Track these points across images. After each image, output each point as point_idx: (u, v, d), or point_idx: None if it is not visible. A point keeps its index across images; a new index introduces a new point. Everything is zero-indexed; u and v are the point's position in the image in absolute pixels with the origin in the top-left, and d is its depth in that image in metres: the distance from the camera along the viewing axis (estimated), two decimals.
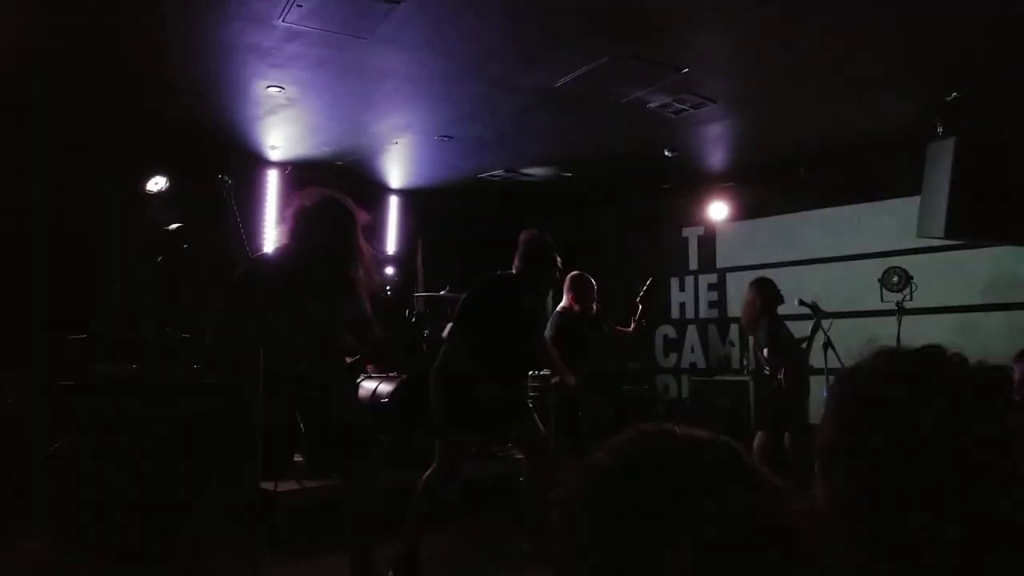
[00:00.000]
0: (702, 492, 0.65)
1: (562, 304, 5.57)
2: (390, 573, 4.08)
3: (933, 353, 1.00)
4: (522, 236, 4.48)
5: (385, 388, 6.04)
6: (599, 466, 0.71)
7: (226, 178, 2.96)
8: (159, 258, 5.37)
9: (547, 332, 5.37)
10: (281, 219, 3.37)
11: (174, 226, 5.45)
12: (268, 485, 4.63)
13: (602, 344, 5.54)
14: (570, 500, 0.71)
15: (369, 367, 6.17)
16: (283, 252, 3.35)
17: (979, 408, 0.93)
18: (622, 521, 0.66)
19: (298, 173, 7.91)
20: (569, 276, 5.59)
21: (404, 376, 6.07)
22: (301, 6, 4.43)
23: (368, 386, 6.20)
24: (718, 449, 0.70)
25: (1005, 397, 0.94)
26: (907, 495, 0.92)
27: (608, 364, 5.46)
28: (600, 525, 0.67)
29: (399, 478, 4.88)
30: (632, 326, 5.38)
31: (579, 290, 5.50)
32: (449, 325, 4.29)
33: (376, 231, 8.72)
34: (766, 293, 6.31)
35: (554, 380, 5.05)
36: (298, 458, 4.28)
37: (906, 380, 0.97)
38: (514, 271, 4.45)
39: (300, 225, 3.28)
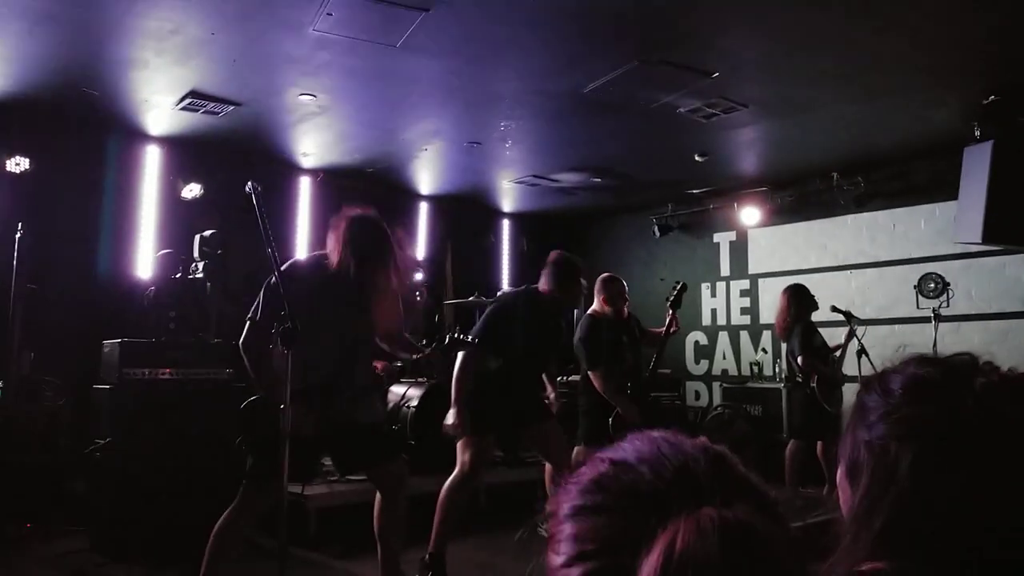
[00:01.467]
0: (677, 499, 0.66)
1: (593, 307, 5.51)
2: None
3: (963, 361, 0.98)
4: (552, 257, 4.65)
5: (413, 393, 6.07)
6: (593, 468, 0.73)
7: (255, 184, 2.99)
8: (193, 264, 5.44)
9: (577, 335, 5.35)
10: (330, 230, 3.48)
11: (208, 232, 5.51)
12: (296, 488, 4.68)
13: (634, 348, 5.50)
14: (564, 502, 0.73)
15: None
16: (323, 260, 3.43)
17: (1007, 415, 0.91)
18: (600, 522, 0.68)
19: (330, 180, 8.00)
20: (600, 279, 5.53)
21: (432, 380, 6.09)
22: (332, 15, 4.49)
23: (396, 391, 6.23)
24: (707, 458, 0.71)
25: None
26: (931, 502, 0.91)
27: (640, 368, 5.41)
28: (583, 524, 0.69)
29: (424, 483, 4.90)
30: (663, 332, 5.35)
31: (610, 293, 5.44)
32: (474, 333, 4.35)
33: (407, 238, 8.78)
34: (800, 300, 6.24)
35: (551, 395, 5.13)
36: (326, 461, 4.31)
37: (933, 387, 0.96)
38: (541, 288, 4.58)
39: (344, 236, 3.37)
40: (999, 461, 0.89)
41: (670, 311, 5.33)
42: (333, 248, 3.41)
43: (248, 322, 3.31)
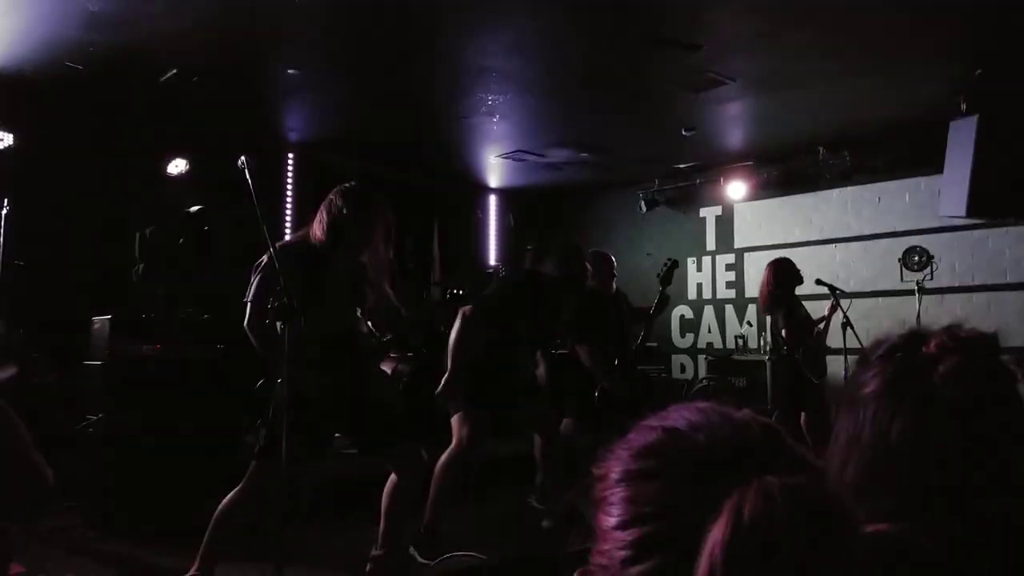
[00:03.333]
0: (736, 467, 0.66)
1: None
2: (411, 548, 4.13)
3: (934, 329, 1.04)
4: (561, 242, 4.79)
5: (404, 368, 6.09)
6: (645, 435, 0.73)
7: (248, 159, 2.98)
8: (180, 240, 5.41)
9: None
10: (314, 210, 3.48)
11: (194, 208, 5.48)
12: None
13: (620, 322, 5.53)
14: (614, 466, 0.73)
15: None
16: (308, 238, 3.44)
17: (948, 367, 0.97)
18: (658, 487, 0.68)
19: (316, 156, 7.94)
20: (588, 254, 5.57)
21: (421, 356, 6.12)
22: None
23: (387, 366, 6.26)
24: (759, 427, 0.72)
25: (994, 359, 1.00)
26: (886, 451, 0.97)
27: (627, 342, 5.45)
28: (638, 488, 0.69)
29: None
30: (652, 310, 5.40)
31: (597, 268, 5.47)
32: (470, 307, 4.37)
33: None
34: (784, 273, 6.27)
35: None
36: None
37: (896, 350, 1.03)
38: (547, 271, 4.63)
39: (324, 214, 3.39)
40: (938, 408, 0.96)
41: (661, 288, 5.39)
42: (316, 225, 3.41)
43: (248, 304, 3.29)
